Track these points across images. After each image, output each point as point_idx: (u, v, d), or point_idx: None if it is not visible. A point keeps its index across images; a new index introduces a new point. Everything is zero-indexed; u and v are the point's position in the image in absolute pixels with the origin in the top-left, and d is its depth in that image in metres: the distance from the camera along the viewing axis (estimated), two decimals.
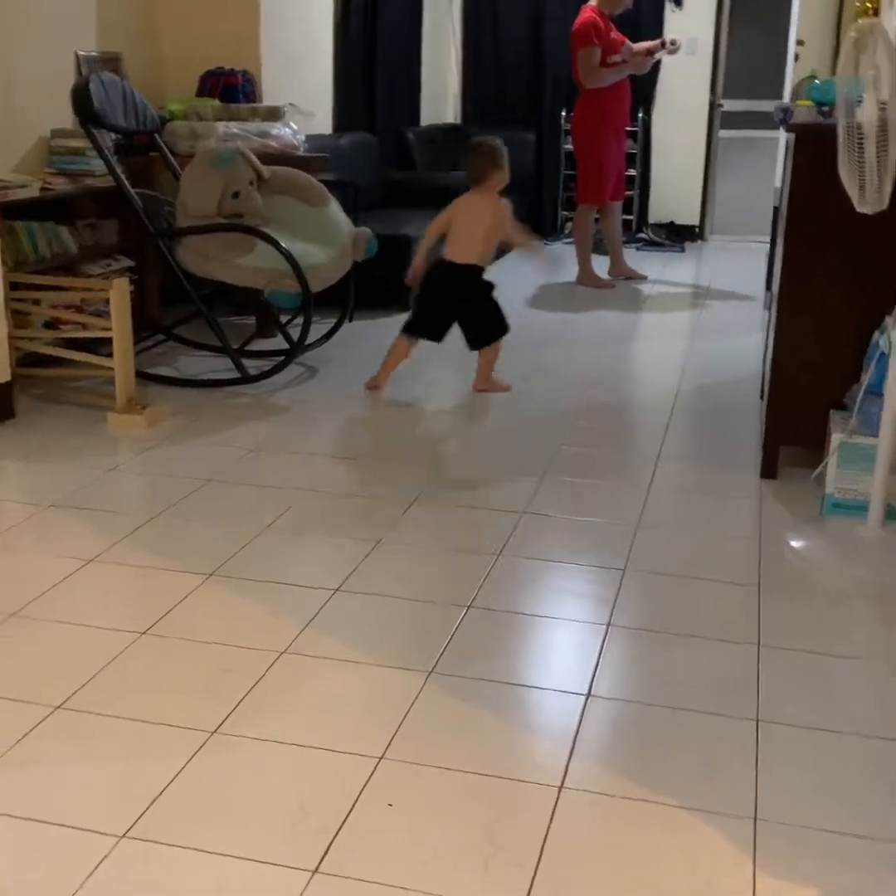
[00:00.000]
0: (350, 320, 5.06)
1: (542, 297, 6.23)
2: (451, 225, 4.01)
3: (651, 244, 8.04)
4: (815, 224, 2.99)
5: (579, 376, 4.44)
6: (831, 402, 3.06)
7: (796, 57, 7.30)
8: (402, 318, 5.46)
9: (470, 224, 3.98)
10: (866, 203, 2.50)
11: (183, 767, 1.83)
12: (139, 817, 1.70)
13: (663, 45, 6.45)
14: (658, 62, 7.81)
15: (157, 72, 5.47)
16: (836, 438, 2.88)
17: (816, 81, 3.16)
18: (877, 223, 2.62)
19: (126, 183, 4.18)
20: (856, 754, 1.91)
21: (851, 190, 2.50)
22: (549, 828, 1.70)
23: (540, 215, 8.32)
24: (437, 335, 4.11)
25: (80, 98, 4.04)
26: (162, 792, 1.76)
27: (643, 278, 6.70)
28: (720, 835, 1.69)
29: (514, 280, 6.70)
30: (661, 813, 1.74)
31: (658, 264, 7.26)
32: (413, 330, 4.13)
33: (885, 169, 2.45)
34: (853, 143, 2.46)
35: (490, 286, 4.10)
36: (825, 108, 2.98)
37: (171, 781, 1.79)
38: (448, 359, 4.71)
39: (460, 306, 4.08)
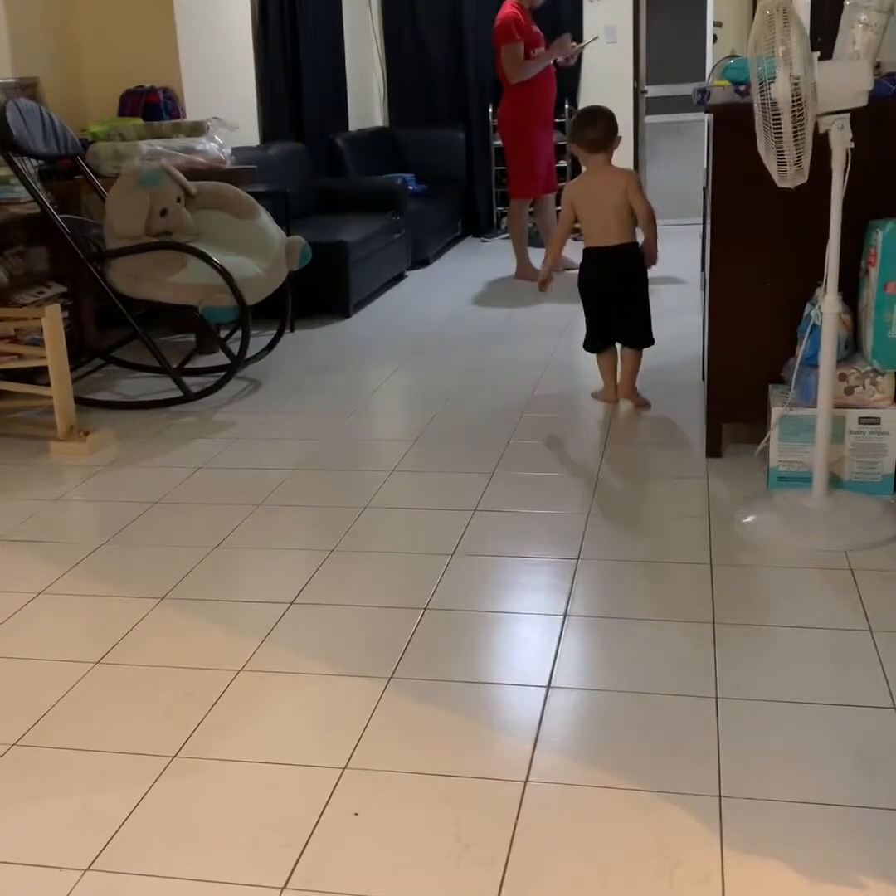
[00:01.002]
0: (291, 330, 5.06)
1: (483, 293, 6.24)
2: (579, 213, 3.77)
3: None
4: (740, 202, 3.02)
5: (523, 370, 4.45)
6: (770, 377, 3.09)
7: (715, 38, 7.38)
8: (343, 324, 5.50)
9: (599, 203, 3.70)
10: (787, 178, 2.53)
11: (144, 795, 1.80)
12: (103, 849, 1.68)
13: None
14: (580, 53, 7.87)
15: (77, 94, 5.41)
16: (776, 412, 2.91)
17: (731, 61, 3.19)
18: (800, 197, 2.65)
19: (51, 209, 4.12)
20: (816, 724, 1.93)
21: (771, 166, 2.52)
22: (516, 822, 1.70)
23: (474, 212, 8.35)
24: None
25: None
26: (124, 821, 1.74)
27: None
28: (687, 815, 1.70)
29: (453, 276, 6.72)
30: (627, 798, 1.75)
31: None
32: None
33: (802, 143, 2.47)
34: (769, 120, 2.48)
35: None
36: (742, 87, 3.01)
37: (134, 810, 1.77)
38: (401, 356, 4.71)
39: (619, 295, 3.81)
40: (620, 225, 3.72)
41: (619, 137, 3.80)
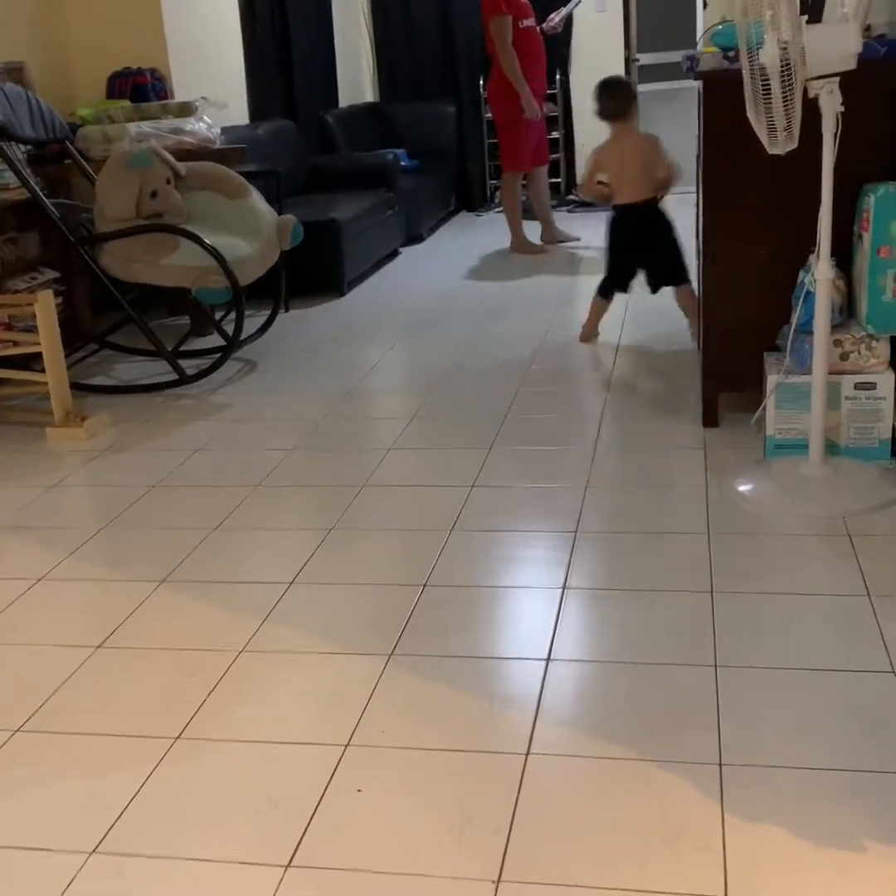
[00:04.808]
0: (285, 310, 5.05)
1: (478, 268, 6.22)
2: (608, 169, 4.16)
3: (582, 205, 8.04)
4: (732, 170, 3.00)
5: (520, 344, 4.45)
6: (765, 344, 3.08)
7: (705, 4, 7.31)
8: (338, 303, 5.49)
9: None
10: (777, 144, 2.51)
11: (148, 776, 1.81)
12: (108, 831, 1.69)
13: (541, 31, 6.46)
14: (570, 22, 7.82)
15: (64, 78, 5.37)
16: (771, 380, 2.91)
17: (720, 27, 3.16)
18: (791, 163, 2.63)
19: (40, 194, 4.10)
20: (816, 689, 1.94)
21: (761, 133, 2.51)
22: (519, 794, 1.71)
23: (467, 186, 8.30)
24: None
25: None
26: (129, 803, 1.75)
27: (576, 240, 6.71)
28: (687, 783, 1.71)
29: (447, 252, 6.69)
30: (628, 768, 1.76)
31: (590, 225, 7.24)
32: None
33: (792, 109, 2.46)
34: (758, 86, 2.46)
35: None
36: (730, 54, 2.99)
37: (138, 792, 1.78)
38: (397, 333, 4.70)
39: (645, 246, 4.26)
40: (644, 183, 4.15)
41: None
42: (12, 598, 2.49)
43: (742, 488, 2.81)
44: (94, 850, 1.65)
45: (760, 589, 2.30)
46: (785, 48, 2.40)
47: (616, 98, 4.14)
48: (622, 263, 4.28)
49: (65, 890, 1.57)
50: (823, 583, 2.33)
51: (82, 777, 1.83)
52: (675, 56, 7.75)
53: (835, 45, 2.43)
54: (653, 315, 4.67)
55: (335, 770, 1.80)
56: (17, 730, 1.97)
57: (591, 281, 5.69)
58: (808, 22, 2.46)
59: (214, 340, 4.58)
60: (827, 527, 2.57)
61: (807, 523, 2.60)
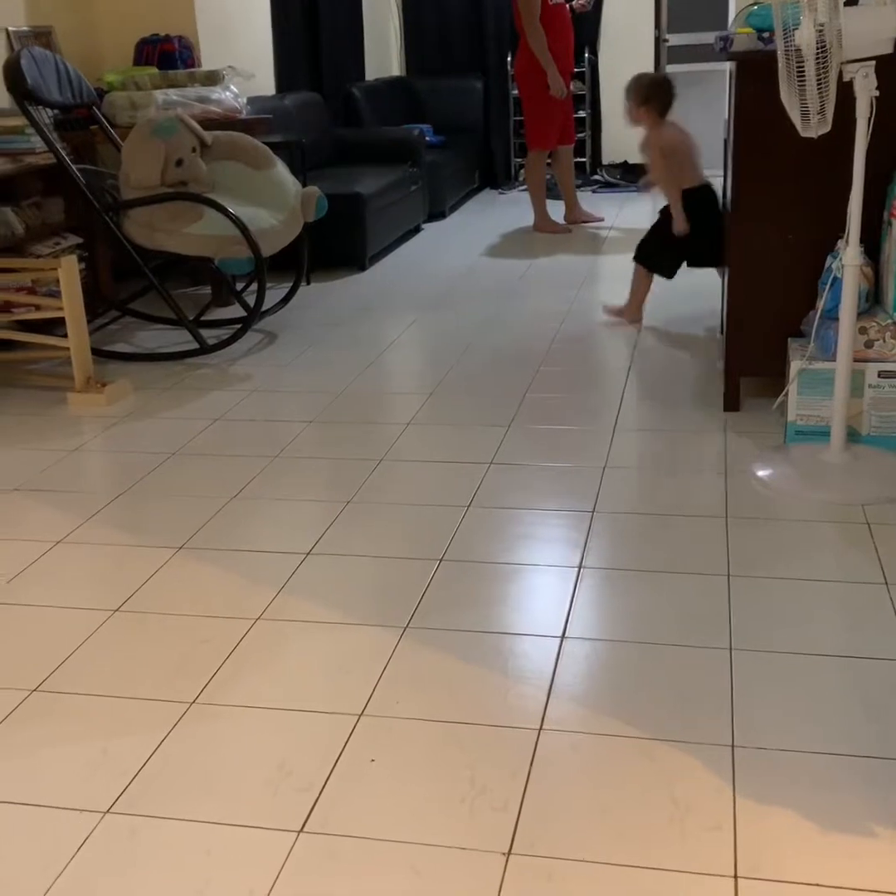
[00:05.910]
0: (307, 283, 5.04)
1: (500, 246, 6.20)
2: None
3: (606, 185, 8.00)
4: (762, 153, 2.98)
5: (541, 323, 4.43)
6: (789, 330, 3.06)
7: None
8: (359, 277, 5.48)
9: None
10: (810, 128, 2.49)
11: (163, 739, 1.83)
12: (122, 792, 1.70)
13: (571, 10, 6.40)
14: (600, 1, 7.76)
15: (92, 43, 5.36)
16: (795, 366, 2.89)
17: (755, 7, 3.13)
18: (823, 147, 2.61)
19: (66, 159, 4.10)
20: (830, 675, 1.94)
21: (794, 115, 2.49)
22: (530, 769, 1.72)
23: (491, 163, 8.27)
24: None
25: (12, 75, 3.95)
26: (144, 765, 1.77)
27: (599, 220, 6.67)
28: (699, 764, 1.71)
29: (470, 229, 6.67)
30: (640, 747, 1.76)
31: (614, 205, 7.23)
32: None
33: (826, 92, 2.43)
34: (793, 68, 2.44)
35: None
36: (765, 35, 2.96)
37: (153, 754, 1.79)
38: (418, 309, 4.70)
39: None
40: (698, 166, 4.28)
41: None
42: (31, 560, 2.51)
43: (761, 473, 2.80)
44: (107, 811, 1.66)
45: (777, 574, 2.30)
46: (821, 30, 2.37)
47: (672, 94, 4.27)
48: (680, 248, 4.21)
49: (79, 849, 1.59)
50: (840, 569, 2.32)
51: (97, 738, 1.85)
52: (706, 37, 7.70)
53: (872, 28, 2.40)
54: (676, 297, 4.65)
55: (348, 739, 1.81)
56: (34, 690, 1.99)
57: (614, 260, 5.69)
58: (845, 4, 2.43)
59: (235, 311, 4.58)
60: (845, 514, 2.57)
61: (825, 510, 2.59)
